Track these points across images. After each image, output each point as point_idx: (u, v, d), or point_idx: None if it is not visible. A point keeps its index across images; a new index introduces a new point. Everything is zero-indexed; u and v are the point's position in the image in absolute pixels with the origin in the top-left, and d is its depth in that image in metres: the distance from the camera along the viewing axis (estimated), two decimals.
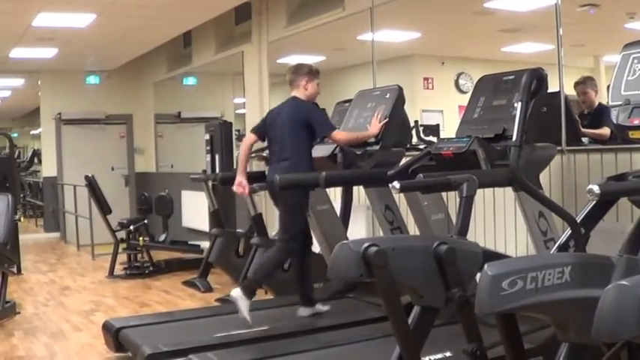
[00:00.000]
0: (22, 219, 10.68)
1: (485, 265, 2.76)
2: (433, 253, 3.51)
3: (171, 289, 8.73)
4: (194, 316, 6.39)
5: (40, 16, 8.96)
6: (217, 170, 9.33)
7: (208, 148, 9.63)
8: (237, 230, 8.78)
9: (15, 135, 21.89)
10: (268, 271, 6.06)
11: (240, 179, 6.23)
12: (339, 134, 5.94)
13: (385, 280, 3.41)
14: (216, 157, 9.48)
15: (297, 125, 5.95)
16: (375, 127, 5.91)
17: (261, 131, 6.27)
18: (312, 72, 6.14)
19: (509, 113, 4.84)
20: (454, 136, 5.31)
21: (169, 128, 13.99)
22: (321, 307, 6.11)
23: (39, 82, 14.37)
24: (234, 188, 6.31)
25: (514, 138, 4.32)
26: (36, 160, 18.88)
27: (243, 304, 5.67)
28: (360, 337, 5.25)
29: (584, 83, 6.16)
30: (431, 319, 3.60)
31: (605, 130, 5.54)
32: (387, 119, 5.91)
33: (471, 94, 5.53)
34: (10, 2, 8.36)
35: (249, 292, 5.74)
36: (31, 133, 24.25)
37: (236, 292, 5.72)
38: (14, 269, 9.20)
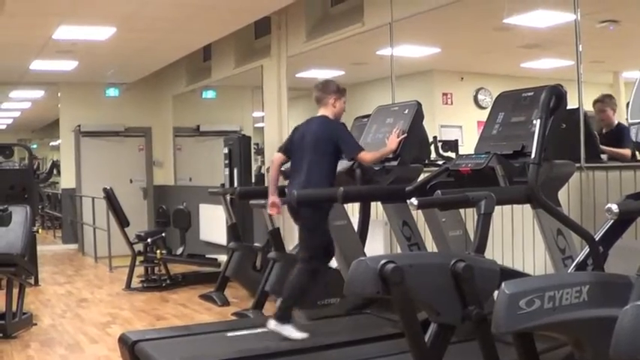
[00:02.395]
0: (40, 230, 10.76)
1: (503, 284, 2.75)
2: (450, 270, 3.50)
3: (188, 303, 8.73)
4: (211, 330, 6.32)
5: (61, 29, 9.03)
6: (236, 184, 9.34)
7: (227, 161, 9.64)
8: (255, 244, 8.77)
9: (34, 146, 22.02)
10: (297, 296, 5.93)
11: (273, 199, 6.13)
12: (366, 155, 5.83)
13: (402, 297, 3.40)
14: (235, 170, 9.49)
15: (325, 144, 5.90)
16: (393, 142, 5.88)
17: (289, 149, 6.23)
18: (339, 90, 6.11)
19: (528, 130, 4.82)
20: (473, 152, 5.30)
21: (188, 141, 14.04)
22: (296, 333, 5.78)
23: (59, 94, 14.47)
24: (269, 210, 6.25)
25: (533, 155, 4.31)
26: (55, 171, 18.98)
27: (286, 329, 5.67)
28: (377, 354, 5.19)
29: (602, 102, 6.12)
30: (447, 336, 3.58)
31: (627, 151, 5.51)
32: (405, 134, 5.88)
33: (489, 110, 5.51)
34: (32, 15, 8.42)
35: (286, 319, 5.73)
36: (51, 144, 24.38)
37: (272, 325, 5.71)
38: (32, 280, 9.23)
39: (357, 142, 6.00)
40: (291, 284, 5.96)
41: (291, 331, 5.69)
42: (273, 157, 6.42)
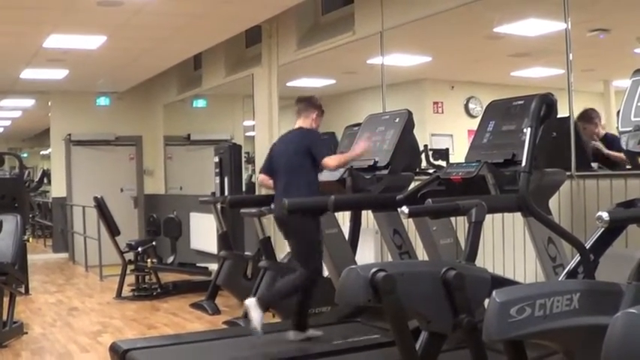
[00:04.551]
0: (30, 239, 10.72)
1: (494, 292, 2.75)
2: (441, 278, 3.50)
3: (179, 312, 8.71)
4: (202, 339, 6.33)
5: (52, 37, 9.02)
6: (226, 193, 9.34)
7: (217, 170, 9.65)
8: (246, 253, 8.77)
9: (25, 155, 21.95)
10: (287, 294, 6.00)
11: None
12: (329, 160, 5.90)
13: (393, 305, 3.40)
14: (226, 179, 9.49)
15: (303, 153, 5.97)
16: (359, 147, 5.94)
17: (270, 168, 6.30)
18: (321, 107, 6.25)
19: (519, 138, 4.83)
20: (463, 160, 5.31)
21: (179, 150, 14.03)
22: (314, 332, 6.00)
23: (49, 103, 14.43)
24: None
25: (523, 163, 4.32)
26: (45, 180, 18.93)
27: (256, 314, 5.69)
28: None
29: (583, 119, 6.02)
30: (438, 344, 3.59)
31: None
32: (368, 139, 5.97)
33: (480, 118, 5.53)
34: (22, 24, 8.41)
35: (264, 307, 5.78)
36: (41, 153, 24.34)
37: (251, 302, 5.74)
38: (22, 289, 9.20)
39: (324, 150, 6.04)
40: (277, 288, 6.13)
41: (258, 319, 5.71)
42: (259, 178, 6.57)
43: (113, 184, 14.02)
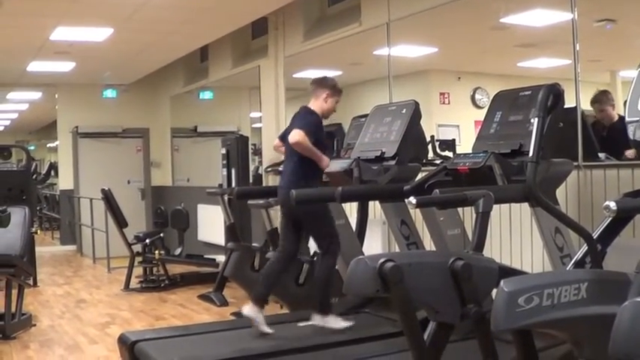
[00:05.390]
0: (38, 232, 10.75)
1: (502, 282, 2.76)
2: (449, 268, 3.50)
3: (187, 303, 8.75)
4: (210, 330, 6.34)
5: (59, 30, 9.04)
6: (233, 184, 9.35)
7: (224, 162, 9.65)
8: (253, 244, 8.78)
9: (32, 148, 22.01)
10: (329, 283, 6.00)
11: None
12: (297, 135, 5.84)
13: (401, 295, 3.41)
14: (233, 171, 9.50)
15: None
16: (325, 162, 5.99)
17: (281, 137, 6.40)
18: (335, 88, 6.16)
19: (526, 129, 4.83)
20: (470, 151, 5.31)
21: (185, 142, 14.07)
22: (341, 323, 5.97)
23: (56, 96, 14.47)
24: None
25: (530, 153, 4.31)
26: (53, 173, 18.97)
27: (330, 321, 5.84)
28: (376, 353, 5.21)
29: (600, 102, 6.10)
30: (446, 334, 3.59)
31: None
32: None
33: (487, 109, 5.52)
34: (29, 16, 8.43)
35: (326, 311, 5.87)
36: (48, 146, 24.39)
37: (317, 320, 5.85)
38: (30, 281, 9.23)
39: (303, 125, 5.95)
40: (318, 278, 6.07)
41: (335, 322, 5.82)
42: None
43: (120, 176, 14.07)
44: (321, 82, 6.17)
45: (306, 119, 6.04)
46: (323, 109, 6.11)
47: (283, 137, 6.29)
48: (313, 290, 6.24)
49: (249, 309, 5.89)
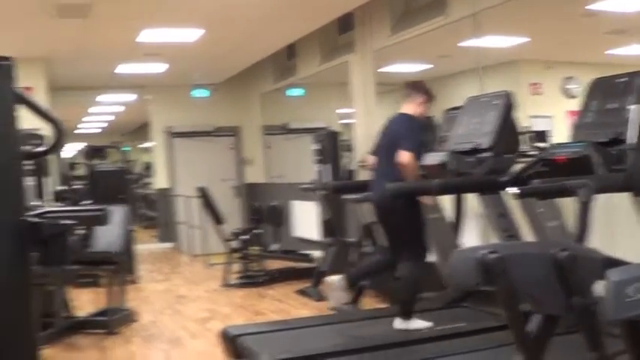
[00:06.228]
0: (136, 229, 11.03)
1: (608, 272, 2.75)
2: (553, 259, 3.49)
3: (285, 298, 8.83)
4: (309, 325, 6.40)
5: (147, 32, 9.27)
6: (327, 180, 9.41)
7: (317, 157, 9.71)
8: (349, 239, 8.83)
9: (126, 149, 22.52)
10: (412, 287, 5.95)
11: None
12: (404, 157, 5.83)
13: (505, 287, 3.41)
14: (325, 166, 9.56)
15: (395, 139, 5.99)
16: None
17: (374, 151, 6.39)
18: (429, 93, 6.19)
19: (624, 116, 4.76)
20: (564, 141, 5.25)
21: (277, 139, 14.20)
22: (421, 322, 5.94)
23: (148, 97, 14.81)
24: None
25: (629, 141, 4.26)
26: (147, 172, 19.38)
27: (412, 324, 5.81)
28: (476, 347, 5.19)
29: None
30: (552, 327, 3.58)
31: None
32: None
33: (582, 98, 5.45)
34: (118, 19, 8.65)
35: (408, 315, 5.85)
36: (141, 146, 24.89)
37: (398, 324, 5.83)
38: (131, 278, 9.48)
39: (412, 141, 5.94)
40: (402, 282, 6.00)
41: (417, 324, 5.80)
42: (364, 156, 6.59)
43: (214, 174, 14.24)
44: (418, 87, 6.18)
45: (413, 133, 6.03)
46: (416, 113, 6.13)
47: (375, 152, 6.32)
48: None
49: (339, 280, 5.91)
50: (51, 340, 6.58)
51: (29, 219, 3.72)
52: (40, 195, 9.66)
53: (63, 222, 3.85)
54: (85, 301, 8.51)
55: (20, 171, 3.68)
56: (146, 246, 15.28)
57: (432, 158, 6.21)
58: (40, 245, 3.71)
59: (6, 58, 3.64)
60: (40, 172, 9.83)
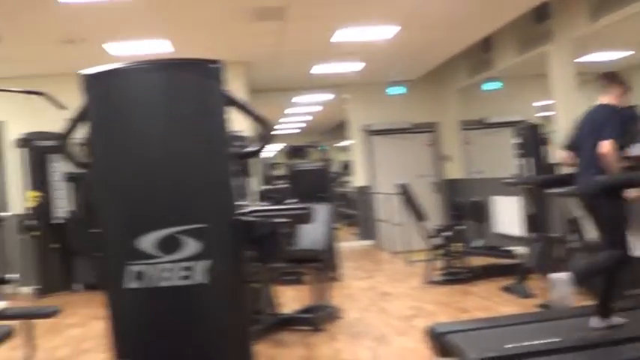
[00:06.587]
0: (339, 228, 11.24)
1: None
2: None
3: (489, 295, 8.73)
4: (517, 322, 6.25)
5: (342, 31, 9.46)
6: (529, 174, 9.23)
7: (519, 151, 9.54)
8: (554, 234, 8.63)
9: (324, 148, 23.00)
10: (610, 289, 5.72)
11: None
12: (603, 147, 5.59)
13: None
14: (528, 160, 9.38)
15: (597, 130, 5.77)
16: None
17: (570, 145, 6.19)
18: (626, 85, 5.99)
19: None
20: None
21: (475, 134, 14.10)
22: (618, 320, 5.70)
23: (346, 97, 15.04)
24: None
25: None
26: (345, 171, 19.68)
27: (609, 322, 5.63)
28: None
29: None
30: None
31: None
32: None
33: None
34: (311, 20, 8.90)
35: (607, 314, 5.64)
36: (337, 145, 25.32)
37: (595, 323, 5.65)
38: (334, 275, 9.65)
39: (612, 130, 5.68)
40: (600, 280, 5.79)
41: (614, 321, 5.61)
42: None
43: (411, 171, 14.31)
44: (615, 78, 5.99)
45: (613, 122, 5.78)
46: (616, 104, 5.95)
47: (569, 146, 6.17)
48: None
49: (567, 277, 5.79)
50: (258, 337, 6.80)
51: (243, 218, 3.88)
52: (243, 195, 10.03)
53: (274, 221, 4.00)
54: (289, 299, 8.73)
55: (232, 171, 3.85)
56: (347, 244, 15.53)
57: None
58: (253, 243, 3.87)
59: (215, 61, 3.83)
60: (244, 172, 10.22)
